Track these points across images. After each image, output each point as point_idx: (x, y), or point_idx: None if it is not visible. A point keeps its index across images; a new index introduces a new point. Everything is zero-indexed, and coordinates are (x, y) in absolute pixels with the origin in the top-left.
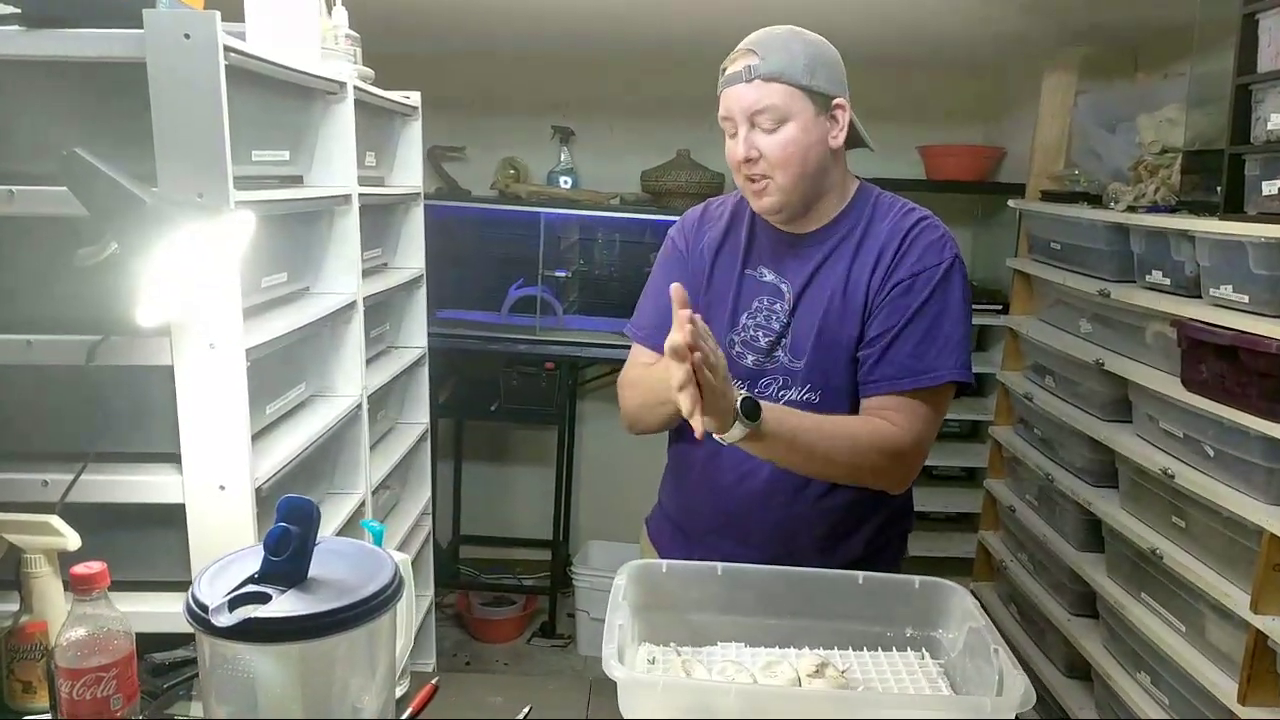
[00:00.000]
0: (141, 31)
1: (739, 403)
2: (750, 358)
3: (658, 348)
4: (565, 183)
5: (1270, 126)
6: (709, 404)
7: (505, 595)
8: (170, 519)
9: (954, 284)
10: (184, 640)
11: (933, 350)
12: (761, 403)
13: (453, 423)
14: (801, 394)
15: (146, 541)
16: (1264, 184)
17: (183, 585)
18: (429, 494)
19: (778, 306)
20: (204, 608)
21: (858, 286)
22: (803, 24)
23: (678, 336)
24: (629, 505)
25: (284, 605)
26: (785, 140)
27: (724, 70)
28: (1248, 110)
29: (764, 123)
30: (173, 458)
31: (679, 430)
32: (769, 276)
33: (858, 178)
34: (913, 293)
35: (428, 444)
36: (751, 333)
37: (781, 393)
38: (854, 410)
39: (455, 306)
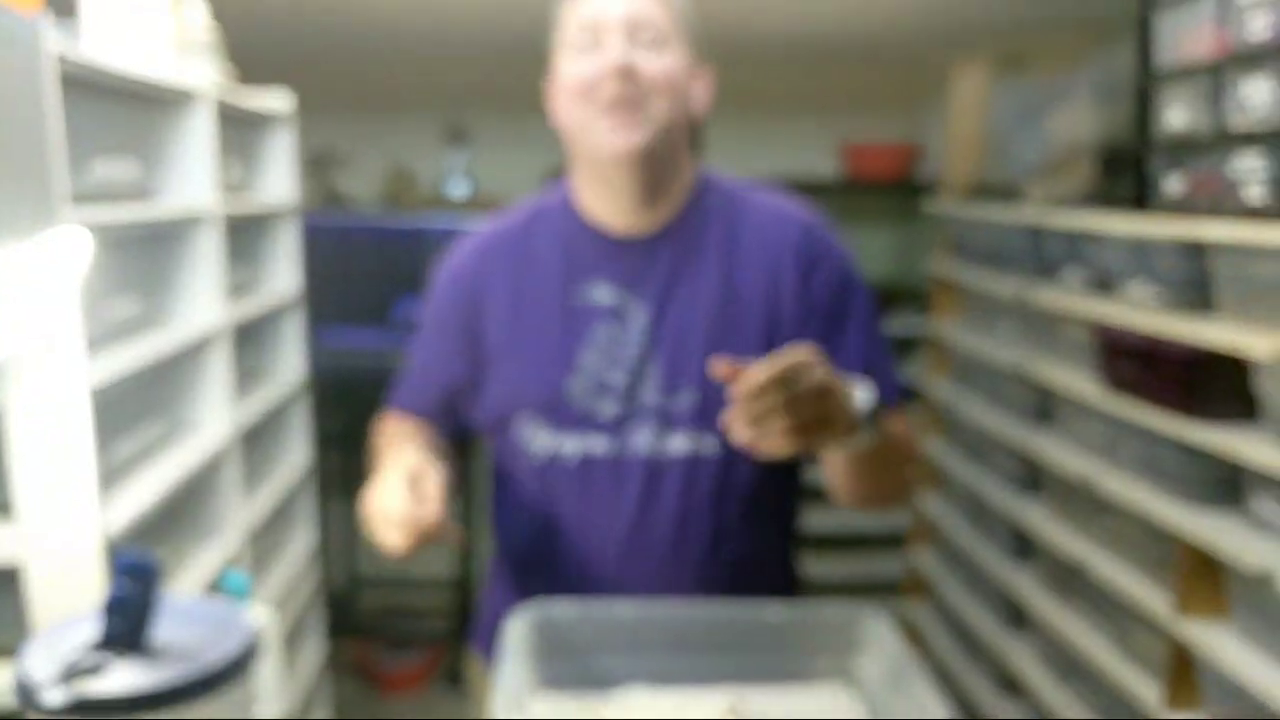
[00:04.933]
0: None
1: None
2: (605, 406)
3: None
4: (460, 187)
5: (1177, 122)
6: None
7: (409, 641)
8: (5, 580)
9: (862, 283)
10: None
11: (887, 361)
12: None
13: (344, 457)
14: (698, 442)
15: None
16: (1171, 179)
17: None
18: (316, 536)
19: (621, 334)
20: (32, 684)
21: (750, 300)
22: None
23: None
24: None
25: (117, 678)
26: (669, 63)
27: None
28: (1155, 106)
29: (644, 39)
30: (3, 509)
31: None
32: (607, 298)
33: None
34: (851, 302)
35: (313, 481)
36: (599, 374)
37: (660, 442)
38: (754, 461)
39: (343, 326)
